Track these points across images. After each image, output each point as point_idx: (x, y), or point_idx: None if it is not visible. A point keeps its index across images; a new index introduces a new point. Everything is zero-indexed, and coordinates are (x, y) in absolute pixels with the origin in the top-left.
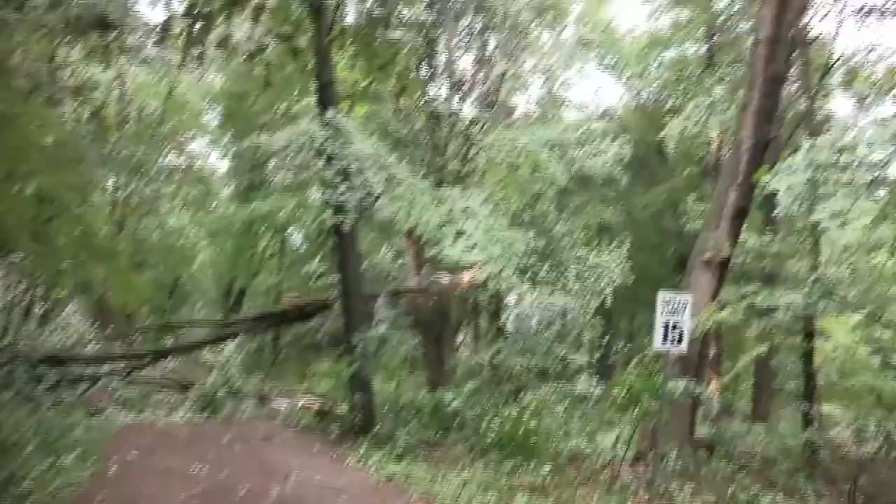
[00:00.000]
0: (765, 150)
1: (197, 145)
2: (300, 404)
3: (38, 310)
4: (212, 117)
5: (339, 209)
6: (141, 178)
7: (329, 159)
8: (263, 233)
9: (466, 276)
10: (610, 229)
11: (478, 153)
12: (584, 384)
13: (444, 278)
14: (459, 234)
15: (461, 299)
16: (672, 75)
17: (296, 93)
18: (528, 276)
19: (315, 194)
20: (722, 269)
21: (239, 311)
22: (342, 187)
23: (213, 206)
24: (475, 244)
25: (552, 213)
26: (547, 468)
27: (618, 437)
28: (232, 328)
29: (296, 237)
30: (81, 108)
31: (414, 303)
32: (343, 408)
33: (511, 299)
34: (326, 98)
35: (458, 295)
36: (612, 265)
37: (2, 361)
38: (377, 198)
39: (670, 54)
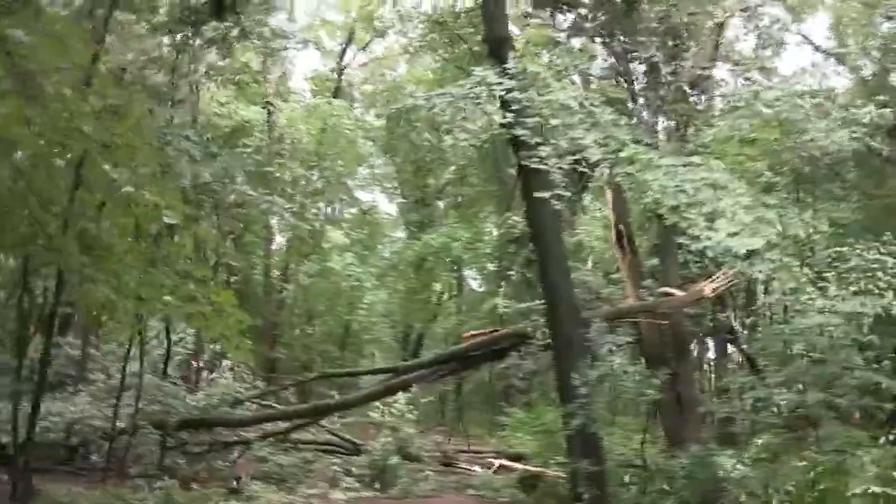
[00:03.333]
0: None
1: (361, 183)
2: (496, 468)
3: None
4: (373, 152)
5: (536, 177)
6: (304, 220)
7: (519, 113)
8: (437, 270)
9: (710, 286)
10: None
11: (709, 114)
12: None
13: (676, 292)
14: (713, 215)
15: (698, 319)
16: None
17: None
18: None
19: (488, 227)
20: None
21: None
22: (545, 149)
23: (382, 247)
24: (741, 229)
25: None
26: None
27: None
28: (405, 377)
29: (473, 275)
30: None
31: (638, 328)
32: (560, 473)
33: (783, 305)
34: (501, 56)
35: (697, 313)
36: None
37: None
38: (593, 166)
39: None
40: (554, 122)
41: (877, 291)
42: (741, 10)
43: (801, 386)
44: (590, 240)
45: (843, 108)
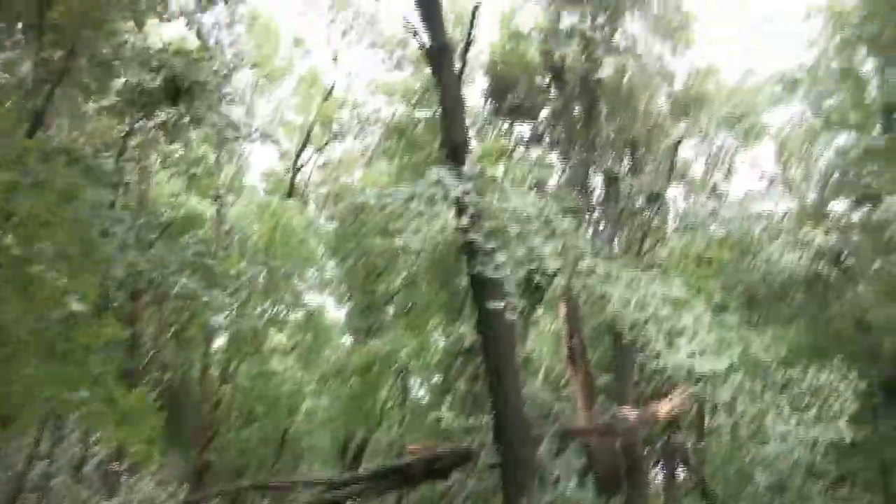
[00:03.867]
0: None
1: (309, 286)
2: None
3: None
4: (324, 254)
5: (489, 286)
6: (246, 321)
7: (475, 218)
8: (383, 378)
9: (665, 408)
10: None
11: (664, 232)
12: None
13: (629, 413)
14: (673, 333)
15: (649, 441)
16: None
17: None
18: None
19: (436, 336)
20: None
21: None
22: (500, 257)
23: (327, 351)
24: (702, 349)
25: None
26: None
27: None
28: (343, 489)
29: (418, 382)
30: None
31: (588, 448)
32: None
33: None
34: (458, 159)
35: (651, 435)
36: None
37: None
38: (550, 276)
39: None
40: (512, 229)
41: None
42: (695, 134)
43: None
44: (540, 355)
45: (789, 232)
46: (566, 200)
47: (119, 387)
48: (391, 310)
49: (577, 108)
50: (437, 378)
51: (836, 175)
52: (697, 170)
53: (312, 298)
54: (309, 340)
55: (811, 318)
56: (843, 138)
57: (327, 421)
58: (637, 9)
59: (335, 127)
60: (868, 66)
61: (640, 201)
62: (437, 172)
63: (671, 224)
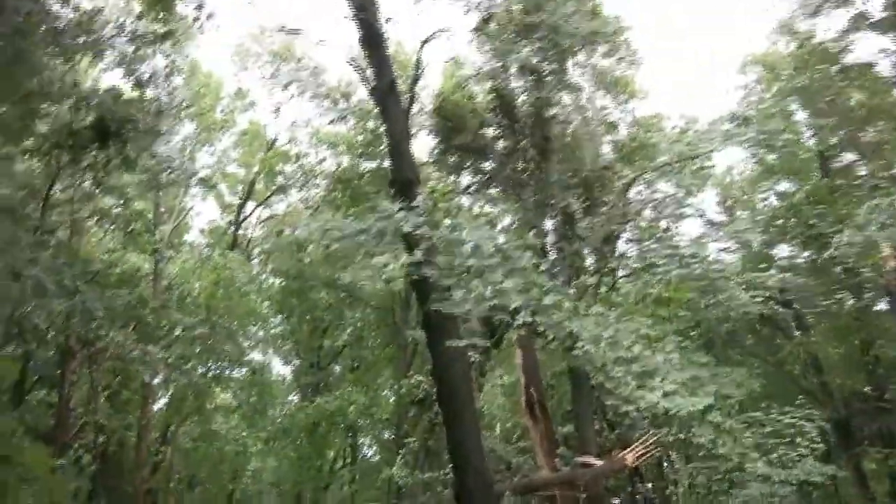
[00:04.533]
0: None
1: (252, 342)
2: None
3: None
4: (268, 307)
5: (445, 327)
6: (186, 378)
7: (428, 253)
8: (331, 436)
9: (631, 455)
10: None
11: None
12: None
13: (592, 462)
14: (647, 373)
15: (613, 491)
16: None
17: None
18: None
19: (386, 392)
20: None
21: None
22: (457, 293)
23: (273, 409)
24: (675, 389)
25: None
26: None
27: None
28: None
29: (369, 439)
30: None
31: (553, 500)
32: None
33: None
34: (409, 197)
35: (615, 485)
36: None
37: None
38: (513, 313)
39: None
40: (470, 262)
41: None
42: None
43: None
44: (495, 406)
45: (739, 275)
46: (523, 238)
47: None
48: (338, 367)
49: (528, 148)
50: (388, 434)
51: (780, 220)
52: (647, 215)
53: (257, 355)
54: (254, 399)
55: (763, 360)
56: (784, 185)
57: (275, 482)
58: (582, 54)
59: (279, 179)
60: (802, 114)
61: (594, 242)
62: (388, 207)
63: (626, 266)
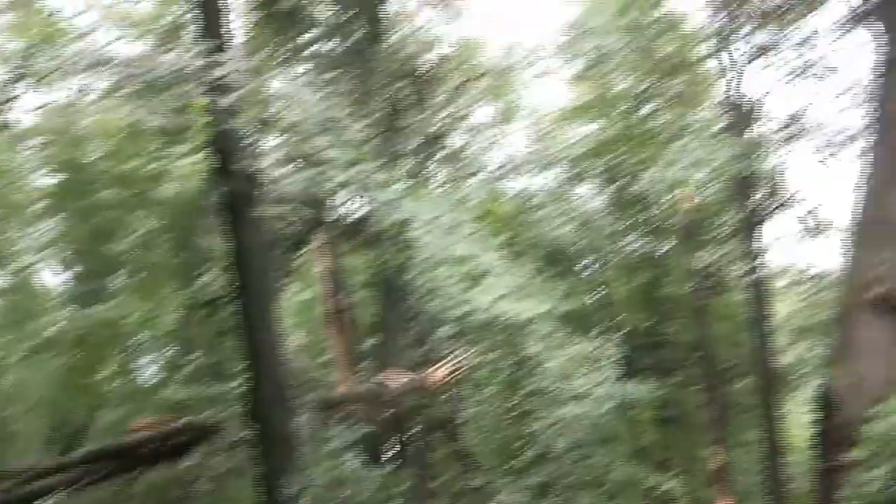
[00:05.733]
0: None
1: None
2: None
3: None
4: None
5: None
6: None
7: (238, 105)
8: (106, 350)
9: (439, 373)
10: None
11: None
12: None
13: (397, 378)
14: (475, 275)
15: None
16: None
17: None
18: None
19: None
20: None
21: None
22: (271, 155)
23: (38, 320)
24: (509, 292)
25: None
26: None
27: None
28: (47, 479)
29: (151, 354)
30: None
31: (355, 419)
32: None
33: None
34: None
35: (423, 403)
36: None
37: None
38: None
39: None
40: (288, 120)
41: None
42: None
43: None
44: (289, 317)
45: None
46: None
47: None
48: (122, 277)
49: (357, 27)
50: (172, 347)
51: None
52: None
53: (24, 260)
54: (17, 307)
55: (569, 287)
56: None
57: (37, 401)
58: None
59: (59, 60)
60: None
61: (419, 137)
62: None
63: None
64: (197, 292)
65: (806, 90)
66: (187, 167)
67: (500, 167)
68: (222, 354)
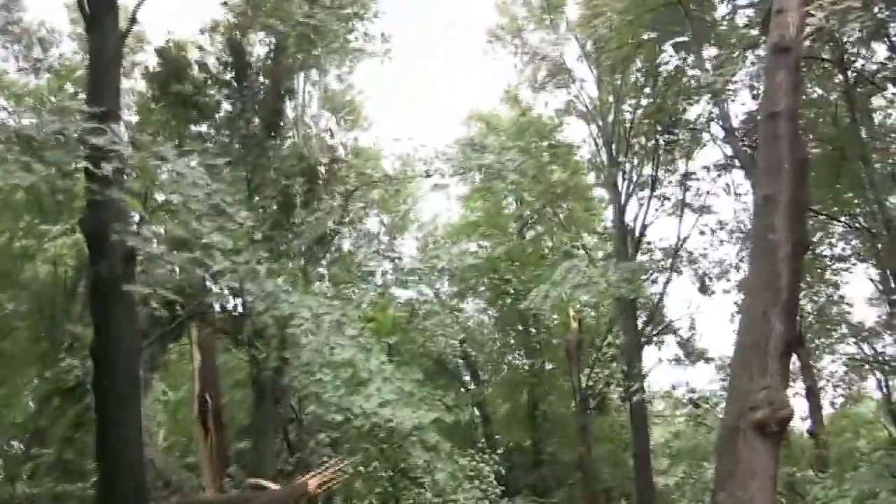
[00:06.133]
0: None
1: None
2: None
3: None
4: None
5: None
6: None
7: (117, 174)
8: None
9: (314, 481)
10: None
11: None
12: None
13: (270, 485)
14: (357, 381)
15: None
16: None
17: None
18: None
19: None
20: (781, 432)
21: None
22: (146, 230)
23: None
24: (394, 399)
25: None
26: None
27: None
28: None
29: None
30: None
31: None
32: None
33: None
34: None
35: None
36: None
37: None
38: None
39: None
40: (174, 196)
41: None
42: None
43: None
44: (155, 417)
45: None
46: (241, 197)
47: None
48: None
49: (254, 118)
50: (18, 442)
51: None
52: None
53: None
54: None
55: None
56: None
57: None
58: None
59: None
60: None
61: (309, 236)
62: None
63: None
64: (54, 380)
65: (686, 224)
66: (61, 247)
67: (389, 274)
68: (76, 449)
